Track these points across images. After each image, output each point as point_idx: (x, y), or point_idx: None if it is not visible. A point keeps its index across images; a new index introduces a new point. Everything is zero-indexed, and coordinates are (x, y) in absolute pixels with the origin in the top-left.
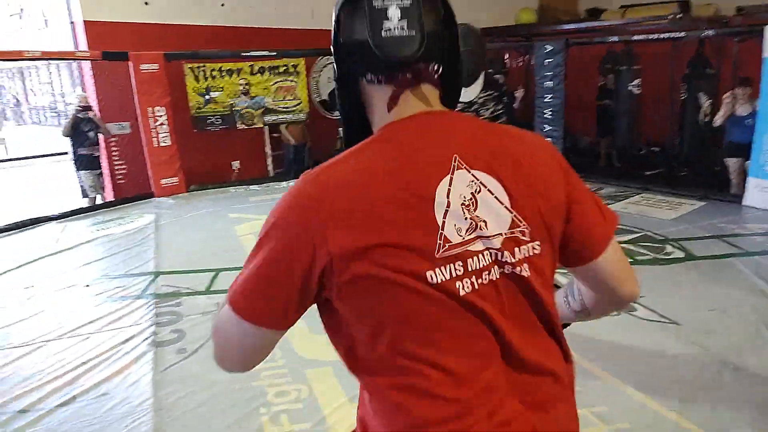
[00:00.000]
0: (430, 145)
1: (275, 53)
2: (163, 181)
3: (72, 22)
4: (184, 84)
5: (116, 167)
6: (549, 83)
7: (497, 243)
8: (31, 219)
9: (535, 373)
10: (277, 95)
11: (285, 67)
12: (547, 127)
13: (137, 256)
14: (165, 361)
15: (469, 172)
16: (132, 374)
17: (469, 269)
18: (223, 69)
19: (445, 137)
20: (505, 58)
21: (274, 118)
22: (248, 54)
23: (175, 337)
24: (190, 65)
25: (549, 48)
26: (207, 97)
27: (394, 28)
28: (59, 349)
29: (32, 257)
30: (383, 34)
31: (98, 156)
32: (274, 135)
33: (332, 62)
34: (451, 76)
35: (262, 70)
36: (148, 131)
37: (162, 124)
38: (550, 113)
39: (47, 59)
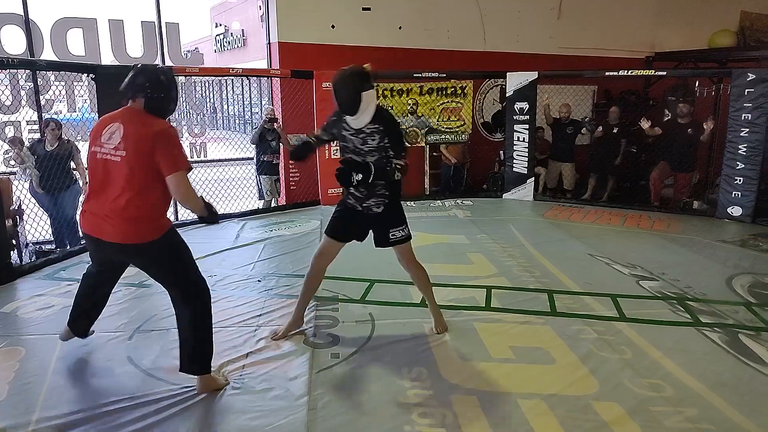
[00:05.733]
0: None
1: (445, 75)
2: (330, 191)
3: (269, 43)
4: None
5: (291, 175)
6: (747, 115)
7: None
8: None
9: None
10: (442, 116)
11: (453, 89)
12: (740, 165)
13: (304, 258)
14: (320, 362)
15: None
16: (292, 370)
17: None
18: (394, 89)
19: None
20: (696, 86)
21: (437, 137)
22: (420, 75)
23: (330, 341)
24: None
25: (751, 76)
26: None
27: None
28: (232, 336)
29: (216, 249)
30: None
31: (277, 163)
32: (434, 154)
33: (499, 84)
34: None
35: (430, 91)
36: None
37: None
38: (746, 149)
39: (247, 76)
